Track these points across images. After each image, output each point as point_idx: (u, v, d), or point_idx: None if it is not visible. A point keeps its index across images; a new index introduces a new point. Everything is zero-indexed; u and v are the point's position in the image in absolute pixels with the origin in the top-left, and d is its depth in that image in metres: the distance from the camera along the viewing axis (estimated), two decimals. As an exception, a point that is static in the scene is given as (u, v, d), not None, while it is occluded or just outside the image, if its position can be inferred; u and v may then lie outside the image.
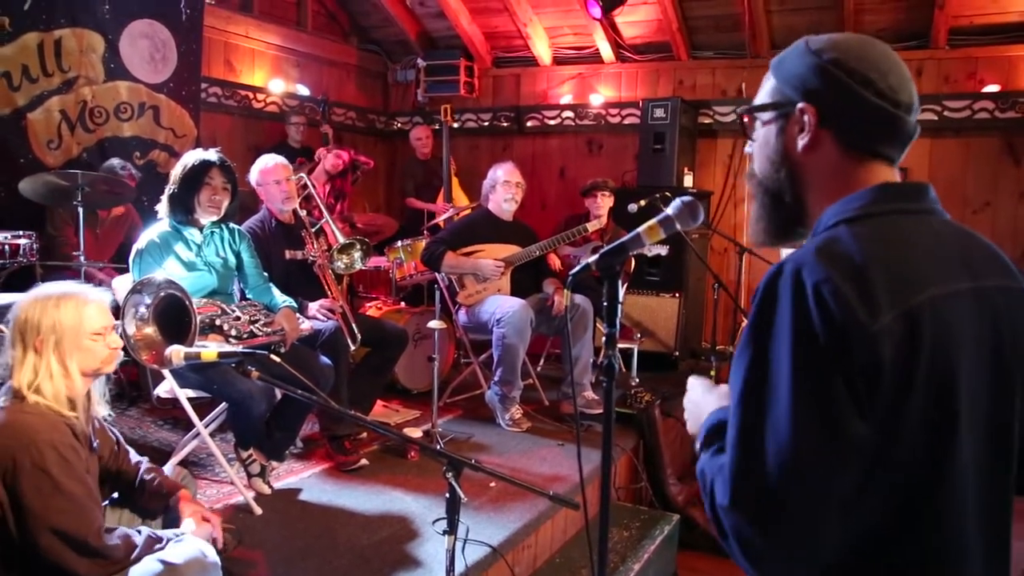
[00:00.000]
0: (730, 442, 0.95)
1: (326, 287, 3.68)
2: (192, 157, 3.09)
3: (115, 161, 4.42)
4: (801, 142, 1.06)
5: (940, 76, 5.43)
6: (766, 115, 1.10)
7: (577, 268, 1.53)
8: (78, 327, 1.90)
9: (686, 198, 1.43)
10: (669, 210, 1.44)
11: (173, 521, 2.10)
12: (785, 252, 1.05)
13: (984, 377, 0.98)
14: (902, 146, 1.06)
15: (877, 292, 0.90)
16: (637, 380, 4.59)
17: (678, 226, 1.44)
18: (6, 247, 3.77)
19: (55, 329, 1.87)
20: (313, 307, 3.54)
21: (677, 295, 5.46)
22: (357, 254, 3.77)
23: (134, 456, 2.20)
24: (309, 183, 4.28)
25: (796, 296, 0.91)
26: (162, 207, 3.08)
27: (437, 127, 6.33)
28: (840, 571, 0.96)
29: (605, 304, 1.45)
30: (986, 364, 0.98)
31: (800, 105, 1.04)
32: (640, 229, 1.44)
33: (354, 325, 3.61)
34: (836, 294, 0.89)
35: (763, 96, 1.12)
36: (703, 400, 1.18)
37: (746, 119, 1.15)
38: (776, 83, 1.09)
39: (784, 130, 1.08)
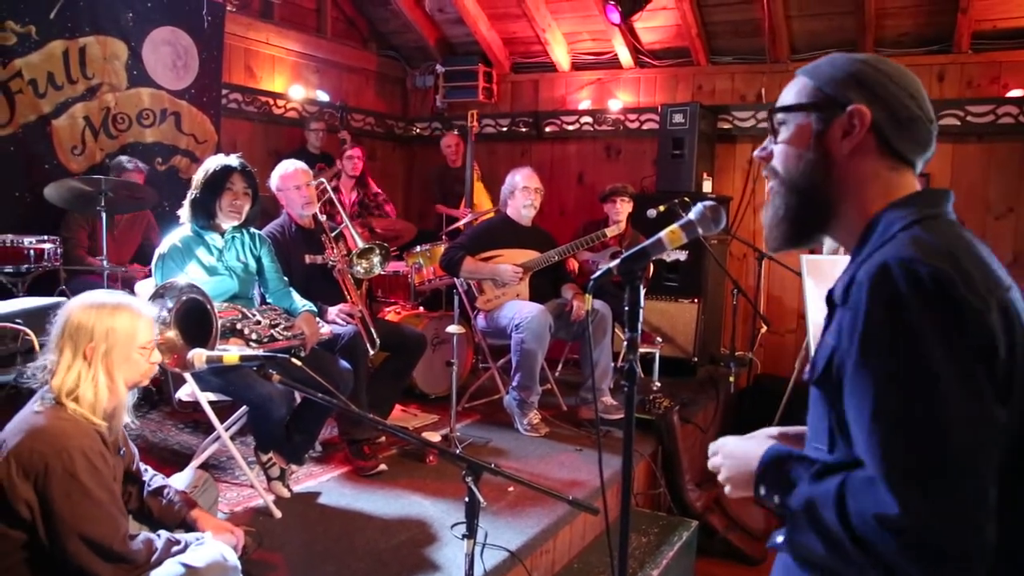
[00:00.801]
0: (877, 452, 0.91)
1: (345, 292, 3.70)
2: (214, 162, 3.13)
3: (123, 158, 4.48)
4: (847, 144, 1.06)
5: (963, 81, 5.36)
6: (801, 116, 1.10)
7: (599, 273, 1.52)
8: (131, 338, 1.90)
9: (708, 203, 1.42)
10: (691, 215, 1.43)
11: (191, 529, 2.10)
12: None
13: None
14: (926, 155, 1.09)
15: (978, 284, 0.91)
16: (658, 385, 4.57)
17: (700, 231, 1.43)
18: (31, 251, 3.82)
19: (108, 338, 1.86)
20: (332, 311, 3.56)
21: (696, 301, 5.43)
22: (376, 259, 3.79)
23: (145, 474, 2.17)
24: (329, 188, 4.31)
25: (917, 288, 0.90)
26: (184, 212, 3.11)
27: (457, 132, 6.36)
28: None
29: (627, 309, 1.44)
30: None
31: (852, 107, 1.05)
32: (662, 234, 1.43)
33: (373, 329, 3.63)
34: (953, 284, 0.89)
35: (797, 97, 1.11)
36: (743, 448, 1.13)
37: (775, 117, 1.14)
38: (813, 84, 1.09)
39: (825, 132, 1.08)
